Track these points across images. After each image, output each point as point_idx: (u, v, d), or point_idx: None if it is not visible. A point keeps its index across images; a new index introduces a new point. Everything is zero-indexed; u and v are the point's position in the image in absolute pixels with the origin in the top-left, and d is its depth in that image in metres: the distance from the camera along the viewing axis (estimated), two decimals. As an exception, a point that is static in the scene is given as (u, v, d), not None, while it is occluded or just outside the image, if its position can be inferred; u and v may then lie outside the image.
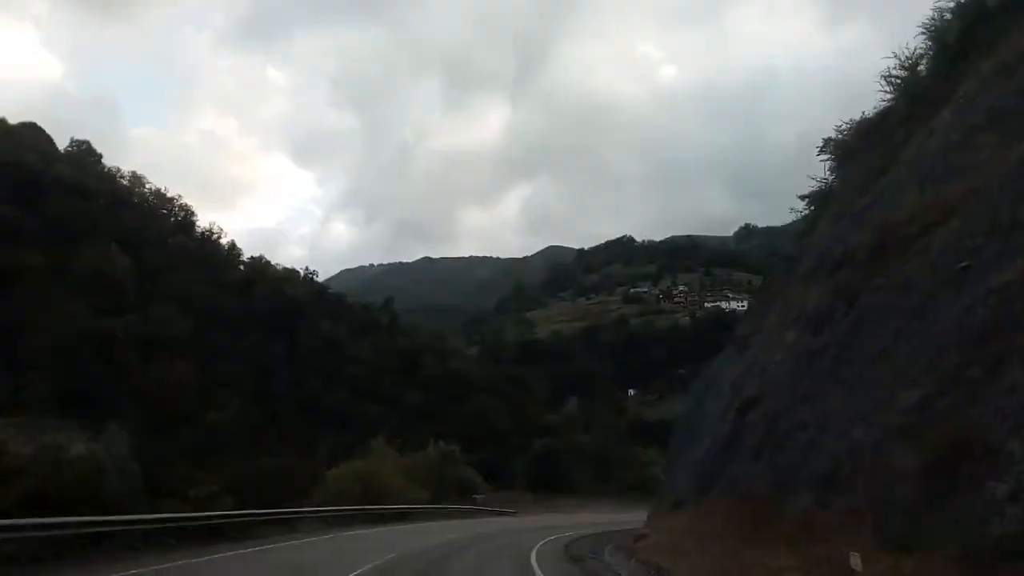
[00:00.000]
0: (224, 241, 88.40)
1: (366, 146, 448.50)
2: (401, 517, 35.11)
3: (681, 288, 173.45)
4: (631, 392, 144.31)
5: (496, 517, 41.93)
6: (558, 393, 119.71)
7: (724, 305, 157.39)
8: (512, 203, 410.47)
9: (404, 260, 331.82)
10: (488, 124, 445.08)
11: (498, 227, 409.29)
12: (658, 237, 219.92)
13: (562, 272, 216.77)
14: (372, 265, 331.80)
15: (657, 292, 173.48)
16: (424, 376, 78.90)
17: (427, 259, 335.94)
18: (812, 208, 26.67)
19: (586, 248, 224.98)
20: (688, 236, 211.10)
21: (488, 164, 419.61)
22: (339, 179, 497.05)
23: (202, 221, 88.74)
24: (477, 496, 46.65)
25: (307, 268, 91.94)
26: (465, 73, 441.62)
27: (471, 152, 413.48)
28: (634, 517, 41.83)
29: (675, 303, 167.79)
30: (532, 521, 37.98)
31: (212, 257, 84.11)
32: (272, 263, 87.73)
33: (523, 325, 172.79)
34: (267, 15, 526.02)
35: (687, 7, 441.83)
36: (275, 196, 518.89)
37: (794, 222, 29.76)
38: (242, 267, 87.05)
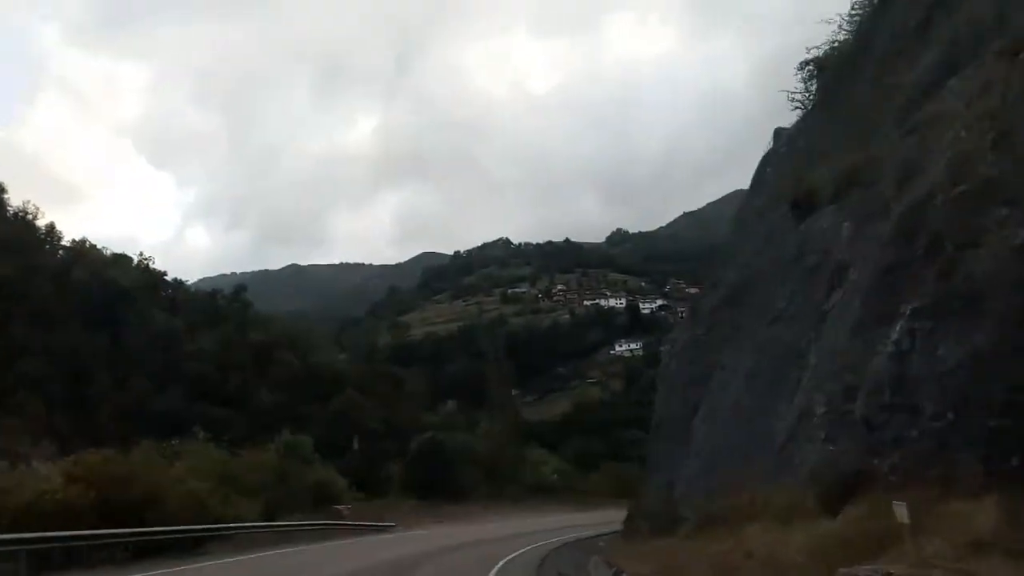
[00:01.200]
0: (42, 223, 73.07)
1: (231, 147, 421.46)
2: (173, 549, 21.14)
3: (560, 287, 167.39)
4: (512, 392, 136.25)
5: (364, 536, 31.00)
6: (436, 395, 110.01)
7: (603, 303, 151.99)
8: (386, 208, 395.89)
9: (270, 268, 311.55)
10: (361, 126, 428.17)
11: (371, 233, 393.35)
12: (535, 240, 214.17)
13: (437, 274, 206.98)
14: (235, 273, 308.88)
15: (536, 292, 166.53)
16: (281, 373, 66.91)
17: (295, 266, 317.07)
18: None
19: (462, 251, 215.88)
20: (565, 239, 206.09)
21: (361, 168, 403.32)
22: (200, 182, 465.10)
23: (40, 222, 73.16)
24: (341, 507, 35.56)
25: (141, 254, 77.22)
26: (338, 72, 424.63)
27: (343, 155, 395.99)
28: (550, 523, 32.52)
29: (554, 301, 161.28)
30: (429, 540, 27.25)
31: (22, 239, 68.76)
32: (98, 247, 72.96)
33: (397, 328, 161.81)
34: (124, 5, 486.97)
35: (562, 16, 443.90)
36: (128, 200, 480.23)
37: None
38: (61, 252, 71.99)
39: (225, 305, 76.01)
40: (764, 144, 24.06)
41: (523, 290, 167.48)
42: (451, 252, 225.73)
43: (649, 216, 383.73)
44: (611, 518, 29.07)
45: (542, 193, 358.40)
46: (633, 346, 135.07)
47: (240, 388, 63.76)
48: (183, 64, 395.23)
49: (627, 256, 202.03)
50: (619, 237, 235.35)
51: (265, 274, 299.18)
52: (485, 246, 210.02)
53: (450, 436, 54.38)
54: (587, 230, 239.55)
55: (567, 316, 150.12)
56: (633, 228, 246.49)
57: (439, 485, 44.25)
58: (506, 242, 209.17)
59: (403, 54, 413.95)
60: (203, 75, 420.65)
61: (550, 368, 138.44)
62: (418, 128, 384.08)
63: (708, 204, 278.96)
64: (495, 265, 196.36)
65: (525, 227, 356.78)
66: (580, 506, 45.38)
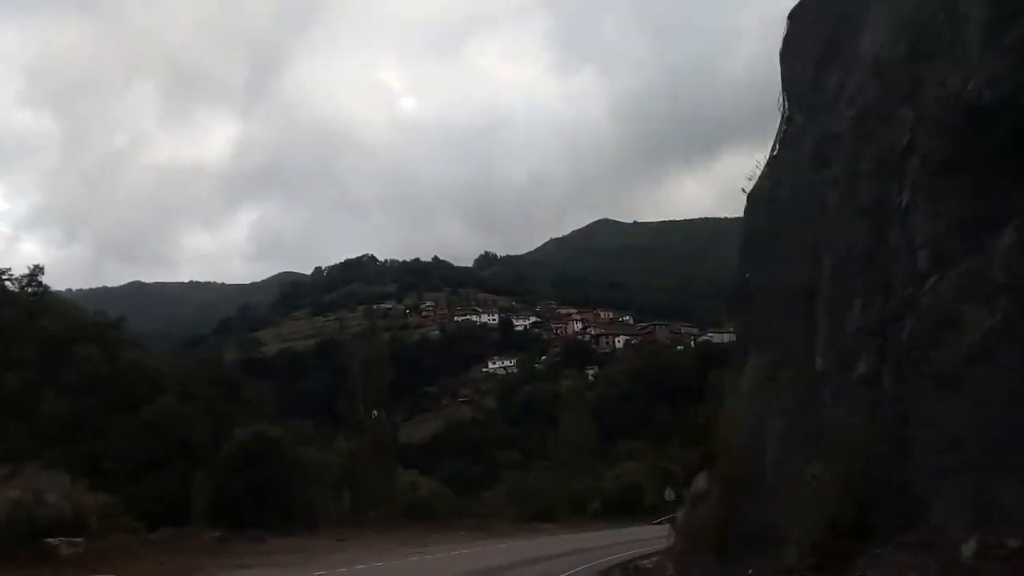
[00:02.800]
0: None
1: (67, 154, 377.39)
2: None
3: (429, 304, 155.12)
4: (374, 413, 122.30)
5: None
6: (290, 413, 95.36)
7: (475, 319, 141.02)
8: (242, 225, 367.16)
9: (109, 284, 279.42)
10: (215, 139, 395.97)
11: (225, 251, 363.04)
12: (402, 259, 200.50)
13: (296, 291, 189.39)
14: (70, 290, 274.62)
15: (404, 308, 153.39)
16: (81, 374, 50.95)
17: (138, 283, 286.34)
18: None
19: (323, 267, 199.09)
20: (433, 257, 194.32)
21: (214, 182, 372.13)
22: (31, 191, 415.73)
23: None
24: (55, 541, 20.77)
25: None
26: (190, 80, 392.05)
27: (194, 168, 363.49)
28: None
29: (423, 317, 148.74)
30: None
31: None
32: None
33: (248, 344, 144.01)
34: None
35: (430, 40, 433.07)
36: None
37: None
38: None
39: (16, 290, 58.80)
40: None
41: (389, 306, 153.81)
42: (312, 271, 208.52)
43: (516, 241, 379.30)
44: (550, 550, 17.90)
45: (408, 214, 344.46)
46: (507, 363, 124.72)
47: (20, 391, 47.50)
48: (13, 61, 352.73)
49: (496, 278, 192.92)
50: (487, 260, 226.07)
51: (104, 291, 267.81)
52: (348, 263, 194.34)
53: (287, 455, 40.58)
54: (454, 253, 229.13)
55: (437, 332, 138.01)
56: (500, 252, 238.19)
57: (268, 507, 30.94)
58: (371, 259, 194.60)
59: (261, 66, 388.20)
60: (35, 74, 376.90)
61: (419, 387, 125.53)
62: (277, 143, 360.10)
63: (573, 231, 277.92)
64: (359, 282, 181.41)
65: (390, 248, 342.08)
66: (482, 534, 33.94)
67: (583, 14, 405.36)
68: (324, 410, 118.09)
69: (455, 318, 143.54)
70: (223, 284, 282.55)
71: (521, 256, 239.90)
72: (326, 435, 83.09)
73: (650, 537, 28.34)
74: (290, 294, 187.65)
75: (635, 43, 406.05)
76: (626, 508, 46.05)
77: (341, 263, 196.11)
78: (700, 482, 15.42)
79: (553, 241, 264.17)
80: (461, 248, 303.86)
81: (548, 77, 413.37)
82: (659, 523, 42.01)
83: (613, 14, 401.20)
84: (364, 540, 30.21)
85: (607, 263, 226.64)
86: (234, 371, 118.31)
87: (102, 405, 48.61)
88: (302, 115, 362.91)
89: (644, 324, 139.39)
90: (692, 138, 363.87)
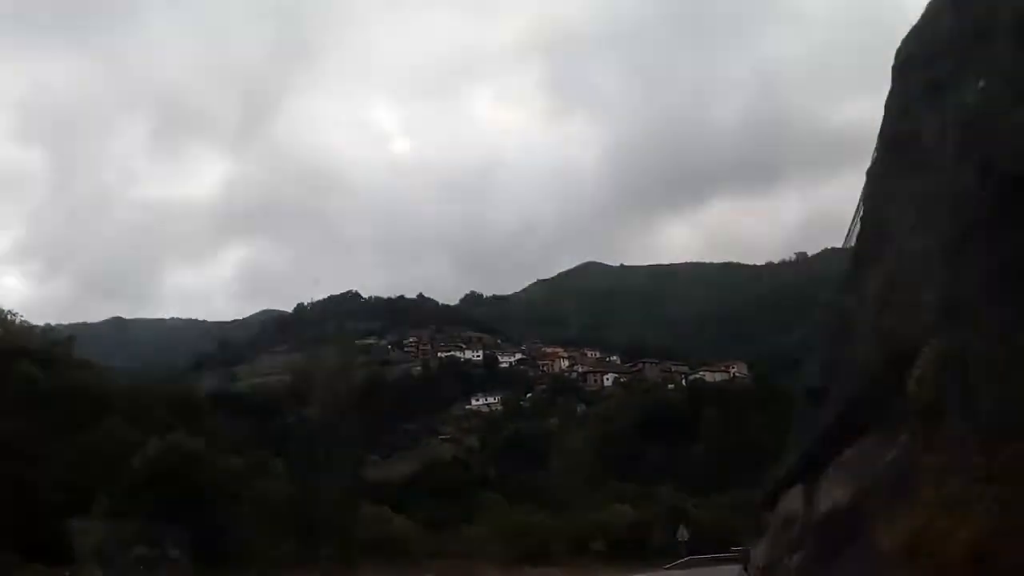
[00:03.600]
0: None
1: (54, 189, 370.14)
2: None
3: (412, 339, 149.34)
4: (353, 447, 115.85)
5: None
6: (262, 447, 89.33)
7: (460, 355, 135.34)
8: (227, 264, 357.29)
9: (89, 320, 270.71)
10: (203, 177, 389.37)
11: (209, 289, 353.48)
12: (387, 295, 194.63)
13: (278, 327, 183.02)
14: (49, 325, 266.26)
15: (386, 343, 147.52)
16: (19, 393, 45.17)
17: (118, 319, 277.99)
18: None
19: (306, 303, 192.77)
20: (419, 295, 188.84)
21: (201, 220, 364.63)
22: (15, 225, 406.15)
23: None
24: None
25: None
26: (181, 117, 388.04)
27: (181, 205, 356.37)
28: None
29: (406, 352, 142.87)
30: None
31: None
32: None
33: (223, 380, 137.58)
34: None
35: (423, 81, 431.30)
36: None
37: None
38: None
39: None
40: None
41: (371, 342, 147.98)
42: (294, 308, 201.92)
43: (503, 283, 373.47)
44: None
45: (395, 255, 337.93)
46: (491, 400, 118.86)
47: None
48: (7, 95, 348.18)
49: (482, 317, 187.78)
50: (473, 299, 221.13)
51: (84, 327, 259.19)
52: (332, 300, 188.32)
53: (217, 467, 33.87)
54: (440, 293, 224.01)
55: (419, 368, 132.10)
56: (487, 292, 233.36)
57: (176, 536, 25.09)
58: (355, 296, 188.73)
59: (253, 104, 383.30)
60: (28, 109, 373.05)
61: (398, 424, 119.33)
62: (267, 182, 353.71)
63: (560, 273, 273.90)
64: (343, 319, 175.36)
65: (376, 287, 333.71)
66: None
67: (576, 61, 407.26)
68: (300, 448, 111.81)
69: (439, 354, 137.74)
70: (205, 322, 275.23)
71: (507, 296, 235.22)
72: (297, 472, 77.07)
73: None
74: (270, 330, 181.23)
75: (626, 90, 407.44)
76: (634, 549, 40.53)
77: (324, 299, 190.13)
78: (792, 502, 10.32)
79: (540, 283, 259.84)
80: (447, 289, 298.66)
81: (540, 122, 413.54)
82: (673, 567, 36.95)
83: (605, 61, 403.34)
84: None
85: (594, 305, 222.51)
86: (203, 403, 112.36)
87: (43, 427, 42.91)
88: (293, 154, 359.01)
89: (633, 363, 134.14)
90: (680, 184, 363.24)
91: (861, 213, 11.09)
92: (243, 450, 65.60)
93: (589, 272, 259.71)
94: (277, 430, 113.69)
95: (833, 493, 9.32)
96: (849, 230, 13.58)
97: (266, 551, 27.36)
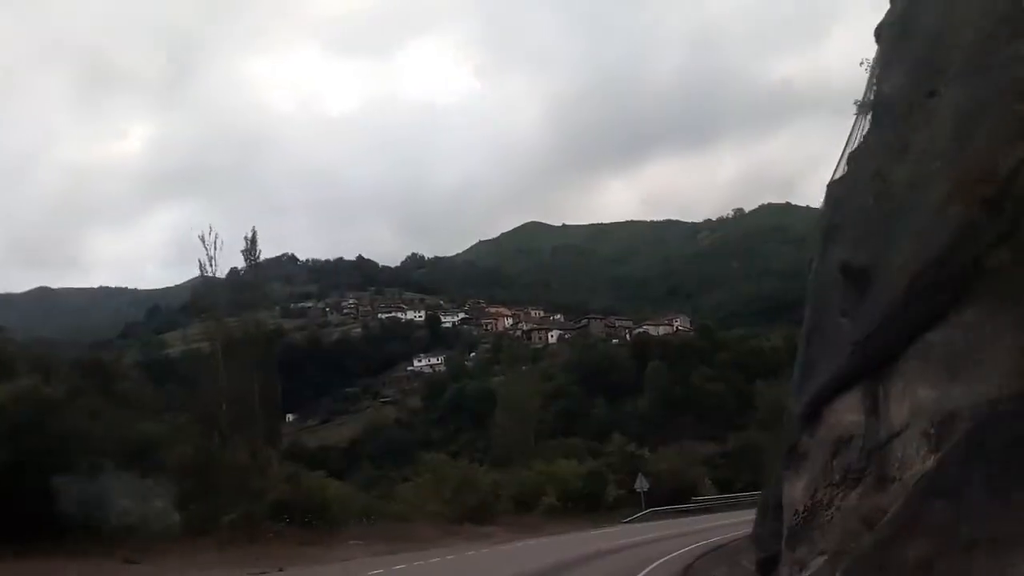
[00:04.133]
0: None
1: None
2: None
3: (352, 301, 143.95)
4: (289, 417, 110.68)
5: None
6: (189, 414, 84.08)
7: (401, 316, 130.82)
8: (157, 228, 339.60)
9: (13, 291, 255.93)
10: (130, 138, 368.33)
11: (139, 255, 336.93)
12: (325, 258, 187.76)
13: (210, 292, 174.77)
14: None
15: (323, 306, 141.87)
16: None
17: (44, 289, 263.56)
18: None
19: (239, 267, 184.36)
20: (358, 256, 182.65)
21: (129, 183, 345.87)
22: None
23: None
24: None
25: None
26: (103, 74, 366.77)
27: (107, 169, 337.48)
28: None
29: (345, 315, 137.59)
30: None
31: None
32: None
33: (152, 347, 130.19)
34: None
35: (358, 39, 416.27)
36: None
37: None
38: None
39: None
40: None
41: (308, 304, 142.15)
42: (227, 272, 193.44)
43: (445, 244, 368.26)
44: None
45: (333, 217, 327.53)
46: (434, 361, 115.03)
47: None
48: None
49: (424, 279, 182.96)
50: (415, 261, 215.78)
51: (7, 298, 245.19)
52: (267, 262, 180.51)
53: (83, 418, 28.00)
54: (381, 255, 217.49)
55: (359, 330, 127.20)
56: (429, 254, 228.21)
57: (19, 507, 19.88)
58: (291, 259, 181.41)
59: (180, 61, 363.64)
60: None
61: (338, 388, 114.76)
62: (196, 143, 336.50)
63: (503, 234, 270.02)
64: (278, 282, 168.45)
65: (315, 250, 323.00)
66: (384, 546, 24.22)
67: (514, 16, 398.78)
68: (231, 413, 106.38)
69: (379, 315, 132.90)
70: (136, 290, 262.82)
71: (450, 258, 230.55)
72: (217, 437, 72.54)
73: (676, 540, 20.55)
74: (202, 296, 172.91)
75: (564, 46, 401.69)
76: (588, 504, 37.25)
77: (259, 263, 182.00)
78: (845, 414, 6.81)
79: (482, 243, 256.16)
80: (388, 251, 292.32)
81: (479, 80, 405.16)
82: (631, 521, 34.20)
83: (544, 17, 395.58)
84: (164, 561, 20.35)
85: (537, 265, 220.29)
86: (118, 368, 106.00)
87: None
88: (224, 114, 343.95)
89: (577, 319, 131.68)
90: (619, 143, 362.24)
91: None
92: (164, 416, 60.58)
93: (531, 232, 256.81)
94: (207, 396, 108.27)
95: (918, 392, 5.87)
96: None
97: (150, 521, 23.14)
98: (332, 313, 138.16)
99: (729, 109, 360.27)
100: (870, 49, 11.32)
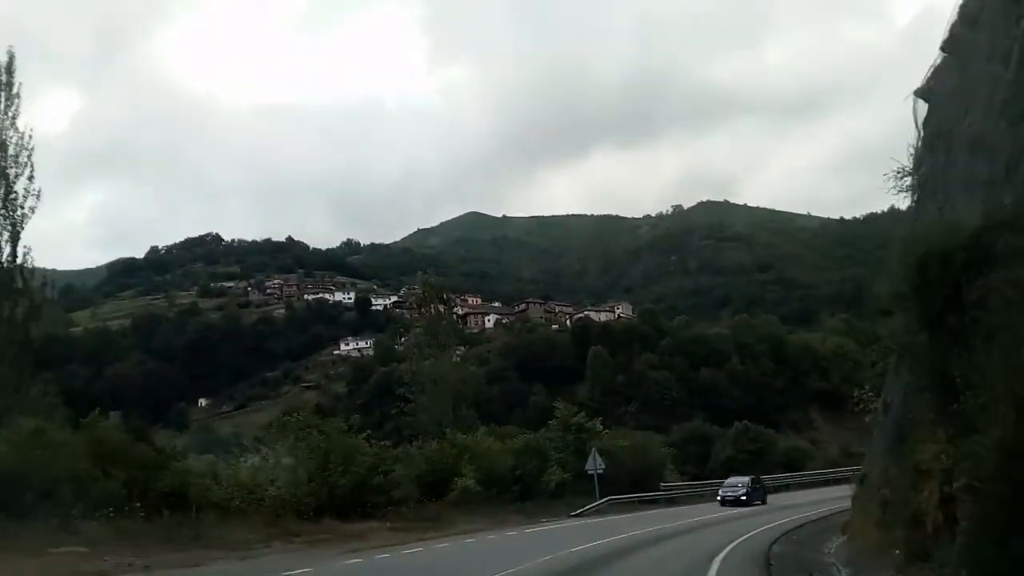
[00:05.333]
0: None
1: None
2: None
3: (276, 281, 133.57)
4: (202, 402, 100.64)
5: None
6: (92, 402, 74.08)
7: (329, 297, 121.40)
8: (79, 208, 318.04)
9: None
10: (52, 115, 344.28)
11: (59, 236, 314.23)
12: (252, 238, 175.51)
13: (127, 271, 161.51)
14: None
15: (245, 285, 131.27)
16: None
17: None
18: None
19: (161, 247, 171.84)
20: (288, 237, 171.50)
21: (50, 159, 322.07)
22: None
23: None
24: None
25: None
26: (21, 46, 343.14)
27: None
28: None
29: (268, 295, 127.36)
30: None
31: None
32: None
33: (58, 325, 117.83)
34: None
35: (303, 20, 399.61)
36: None
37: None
38: None
39: None
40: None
41: (231, 284, 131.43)
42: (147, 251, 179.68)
43: (384, 233, 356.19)
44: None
45: (268, 202, 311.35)
46: (362, 344, 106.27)
47: None
48: None
49: (359, 264, 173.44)
50: (351, 247, 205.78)
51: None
52: (189, 241, 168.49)
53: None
54: (317, 241, 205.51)
55: (283, 311, 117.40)
56: (366, 241, 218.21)
57: None
58: (215, 238, 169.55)
59: (108, 36, 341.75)
60: None
61: (258, 372, 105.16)
62: (124, 121, 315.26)
63: (443, 223, 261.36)
64: (201, 263, 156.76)
65: (246, 234, 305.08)
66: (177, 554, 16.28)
67: (460, 5, 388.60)
68: (140, 399, 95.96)
69: (305, 296, 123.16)
70: (53, 270, 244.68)
71: (387, 245, 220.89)
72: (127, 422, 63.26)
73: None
74: (119, 274, 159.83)
75: (511, 38, 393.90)
76: (524, 490, 28.56)
77: (180, 242, 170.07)
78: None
79: (422, 231, 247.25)
80: (324, 237, 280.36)
81: (421, 67, 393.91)
82: (581, 515, 25.66)
83: (490, 7, 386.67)
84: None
85: (476, 255, 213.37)
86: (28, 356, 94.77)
87: None
88: (153, 91, 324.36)
89: (516, 302, 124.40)
90: (562, 136, 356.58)
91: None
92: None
93: (472, 222, 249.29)
94: (114, 377, 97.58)
95: None
96: None
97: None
98: (254, 293, 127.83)
99: (671, 106, 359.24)
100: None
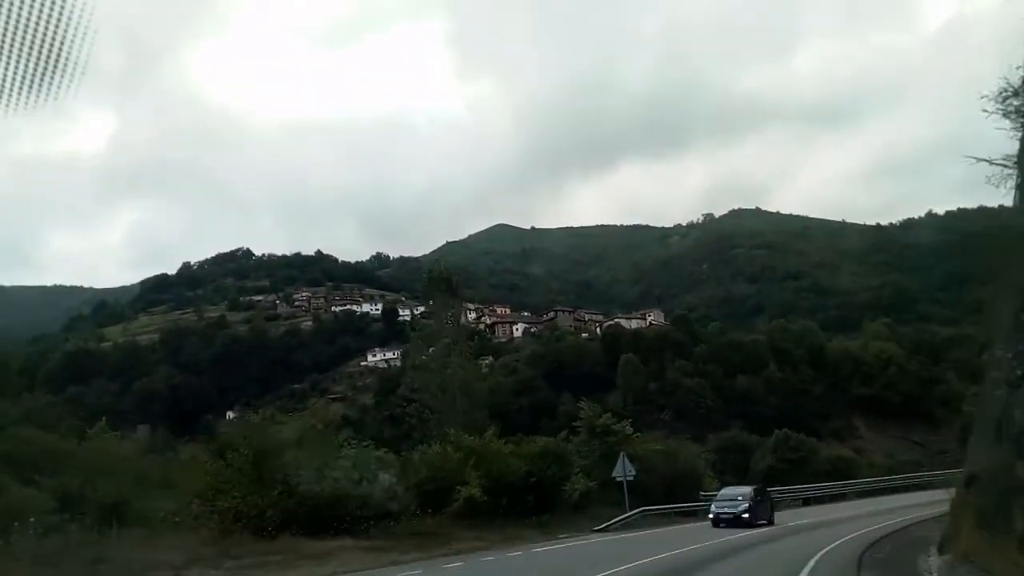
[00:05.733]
0: None
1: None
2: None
3: (305, 294, 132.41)
4: (230, 415, 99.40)
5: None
6: (120, 414, 73.97)
7: (357, 309, 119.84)
8: (116, 226, 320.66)
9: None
10: (88, 132, 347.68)
11: (96, 255, 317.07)
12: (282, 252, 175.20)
13: (160, 287, 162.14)
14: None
15: (274, 297, 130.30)
16: None
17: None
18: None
19: (193, 262, 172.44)
20: (316, 251, 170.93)
21: (85, 178, 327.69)
22: None
23: None
24: None
25: None
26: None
27: (62, 163, 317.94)
28: None
29: (296, 307, 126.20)
30: None
31: None
32: None
33: (90, 339, 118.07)
34: None
35: (328, 36, 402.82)
36: None
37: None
38: None
39: None
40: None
41: (260, 298, 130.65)
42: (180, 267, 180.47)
43: (413, 246, 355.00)
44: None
45: (298, 217, 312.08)
46: (390, 355, 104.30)
47: None
48: None
49: (388, 278, 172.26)
50: (380, 261, 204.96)
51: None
52: (220, 257, 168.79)
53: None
54: (347, 255, 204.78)
55: (310, 323, 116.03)
56: (395, 254, 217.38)
57: None
58: (246, 253, 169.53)
59: (141, 53, 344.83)
60: None
61: (285, 384, 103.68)
62: (155, 139, 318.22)
63: (471, 235, 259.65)
64: (231, 278, 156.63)
65: (276, 250, 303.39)
66: None
67: (486, 20, 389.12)
68: (169, 412, 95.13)
69: (333, 308, 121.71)
70: (91, 288, 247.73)
71: (416, 258, 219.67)
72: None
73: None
74: (151, 290, 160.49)
75: (535, 50, 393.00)
76: (541, 501, 24.57)
77: (211, 258, 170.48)
78: None
79: (450, 244, 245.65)
80: (354, 252, 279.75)
81: (449, 82, 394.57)
82: (607, 529, 22.70)
83: (516, 21, 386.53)
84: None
85: (505, 267, 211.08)
86: (63, 369, 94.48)
87: None
88: (185, 110, 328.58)
89: (544, 312, 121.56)
90: (590, 147, 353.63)
91: None
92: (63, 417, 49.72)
93: (500, 234, 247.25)
94: (140, 391, 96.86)
95: None
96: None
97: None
98: (283, 306, 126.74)
99: (699, 117, 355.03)
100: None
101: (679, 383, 78.28)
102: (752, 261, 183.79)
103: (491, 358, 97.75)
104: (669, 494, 28.07)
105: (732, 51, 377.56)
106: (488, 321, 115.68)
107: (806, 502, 38.30)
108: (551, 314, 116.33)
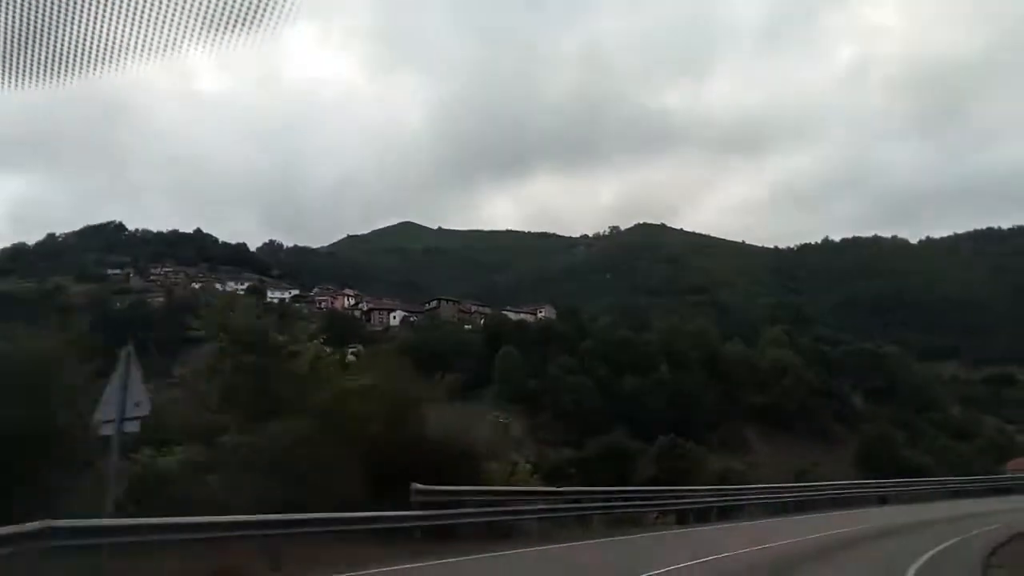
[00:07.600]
0: None
1: None
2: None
3: (165, 269, 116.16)
4: None
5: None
6: None
7: (219, 287, 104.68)
8: None
9: None
10: None
11: None
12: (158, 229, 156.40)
13: (14, 257, 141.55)
14: None
15: (125, 272, 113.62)
16: None
17: None
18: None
19: (58, 234, 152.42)
20: (196, 229, 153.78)
21: None
22: None
23: None
24: None
25: None
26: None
27: None
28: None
29: (151, 281, 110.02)
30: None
31: None
32: None
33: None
34: None
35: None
36: None
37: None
38: None
39: None
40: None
41: (115, 271, 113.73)
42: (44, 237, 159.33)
43: (313, 237, 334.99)
44: None
45: (194, 201, 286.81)
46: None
47: None
48: None
49: (278, 265, 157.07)
50: (272, 248, 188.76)
51: None
52: (88, 230, 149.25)
53: None
54: (237, 239, 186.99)
55: (162, 299, 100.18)
56: (290, 244, 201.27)
57: None
58: (118, 227, 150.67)
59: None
60: None
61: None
62: (43, 109, 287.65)
63: (374, 231, 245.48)
64: (97, 252, 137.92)
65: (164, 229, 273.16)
66: None
67: (405, 12, 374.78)
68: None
69: (194, 284, 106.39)
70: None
71: (313, 250, 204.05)
72: None
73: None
74: (8, 259, 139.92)
75: (456, 49, 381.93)
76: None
77: (78, 230, 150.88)
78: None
79: (351, 238, 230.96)
80: (252, 240, 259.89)
81: (364, 73, 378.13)
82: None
83: (436, 17, 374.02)
84: None
85: (407, 266, 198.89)
86: None
87: None
88: (75, 81, 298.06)
89: (426, 301, 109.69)
90: (503, 153, 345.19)
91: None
92: None
93: (405, 232, 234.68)
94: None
95: None
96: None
97: None
98: (136, 279, 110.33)
99: (614, 133, 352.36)
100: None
101: (560, 380, 68.04)
102: (654, 274, 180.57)
103: (360, 347, 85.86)
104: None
105: (650, 71, 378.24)
106: (365, 307, 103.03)
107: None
108: (433, 303, 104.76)
